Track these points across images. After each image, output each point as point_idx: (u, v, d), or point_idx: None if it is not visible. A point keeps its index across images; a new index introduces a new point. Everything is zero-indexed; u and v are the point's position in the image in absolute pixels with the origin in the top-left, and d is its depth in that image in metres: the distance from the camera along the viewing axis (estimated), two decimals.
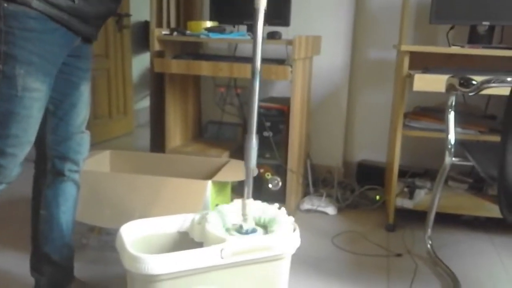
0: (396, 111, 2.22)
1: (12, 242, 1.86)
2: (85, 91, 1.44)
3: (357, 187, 2.57)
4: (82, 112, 1.46)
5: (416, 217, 2.18)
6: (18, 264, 1.60)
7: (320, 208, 2.38)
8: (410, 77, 2.00)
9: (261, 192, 2.32)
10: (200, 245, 1.46)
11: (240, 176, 1.89)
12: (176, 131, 2.55)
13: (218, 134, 2.79)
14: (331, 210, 2.38)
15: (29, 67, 1.20)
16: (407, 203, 2.17)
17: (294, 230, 1.43)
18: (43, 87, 1.24)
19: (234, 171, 1.96)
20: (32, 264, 1.51)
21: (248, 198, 1.41)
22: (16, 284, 1.62)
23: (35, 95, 1.22)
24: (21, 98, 1.20)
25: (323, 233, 2.14)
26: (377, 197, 2.49)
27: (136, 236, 1.44)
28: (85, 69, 1.42)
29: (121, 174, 1.91)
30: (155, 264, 1.23)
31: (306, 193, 2.53)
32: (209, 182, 1.78)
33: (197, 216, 1.52)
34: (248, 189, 1.39)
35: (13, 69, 1.18)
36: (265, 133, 2.29)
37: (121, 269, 1.34)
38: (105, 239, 1.89)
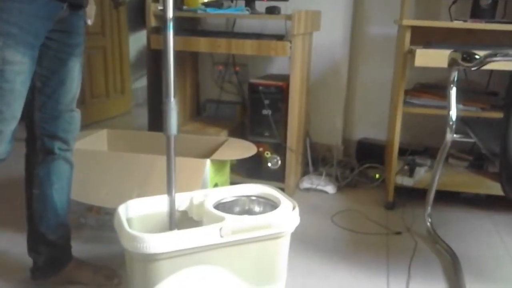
0: (396, 88, 2.19)
1: (9, 222, 1.85)
2: (74, 68, 1.39)
3: (356, 166, 2.56)
4: (72, 89, 1.41)
5: (415, 195, 2.17)
6: (16, 244, 1.59)
7: (319, 187, 2.36)
8: (412, 52, 1.96)
9: (260, 171, 2.30)
10: (199, 224, 1.44)
11: (239, 155, 1.87)
12: None
13: (217, 113, 2.75)
14: (330, 188, 2.36)
15: (8, 39, 1.15)
16: (407, 181, 2.15)
17: (294, 208, 1.41)
18: (24, 59, 1.19)
19: (233, 150, 1.93)
20: (29, 244, 1.49)
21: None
22: (14, 264, 1.61)
23: (16, 68, 1.18)
24: (2, 72, 1.16)
25: (323, 212, 2.13)
26: (377, 176, 2.47)
27: (134, 215, 1.43)
28: (75, 45, 1.37)
29: (118, 153, 1.88)
30: (154, 243, 1.21)
31: (305, 172, 2.51)
32: (208, 161, 1.75)
33: (195, 195, 1.50)
34: (170, 155, 1.27)
35: None
36: (264, 111, 2.26)
37: (120, 248, 1.33)
38: (103, 219, 1.87)
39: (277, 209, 1.41)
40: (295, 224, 1.38)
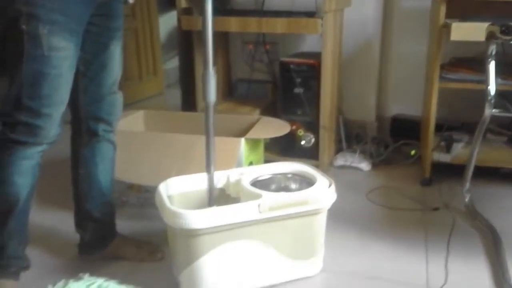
0: (431, 63, 2.15)
1: (57, 201, 1.93)
2: (115, 51, 1.43)
3: (391, 142, 2.54)
4: (113, 72, 1.45)
5: (452, 171, 2.14)
6: (64, 221, 1.66)
7: (354, 164, 2.36)
8: (447, 26, 1.91)
9: (294, 149, 2.31)
10: (236, 201, 1.48)
11: (273, 133, 1.89)
12: None
13: (248, 92, 2.76)
14: (365, 166, 2.36)
15: (53, 26, 1.19)
16: (444, 157, 2.13)
17: (330, 185, 1.43)
18: (69, 45, 1.23)
19: (266, 128, 1.95)
20: (76, 222, 1.56)
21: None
22: (62, 240, 1.69)
23: (62, 54, 1.23)
24: (48, 58, 1.20)
25: (357, 189, 2.14)
26: (412, 152, 2.45)
27: (174, 192, 1.48)
28: (115, 28, 1.41)
29: (157, 133, 1.93)
30: (196, 219, 1.25)
31: (339, 149, 2.50)
32: (242, 140, 1.78)
33: (232, 173, 1.54)
34: (208, 123, 1.33)
35: (36, 29, 1.18)
36: (296, 90, 2.26)
37: (161, 224, 1.38)
38: (143, 196, 1.93)
39: (314, 186, 1.43)
40: (331, 200, 1.40)
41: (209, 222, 1.26)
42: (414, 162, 2.38)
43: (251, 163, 1.88)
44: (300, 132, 2.29)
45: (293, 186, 1.56)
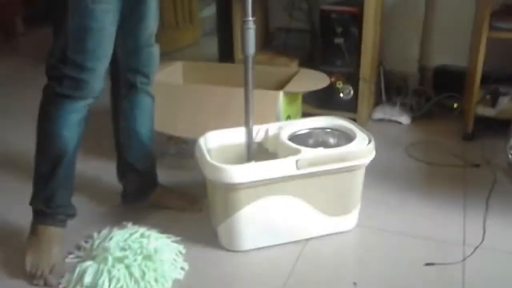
0: (481, 10, 2.02)
1: (98, 151, 1.99)
2: (151, 4, 1.42)
3: (433, 95, 2.45)
4: (150, 25, 1.44)
5: (497, 126, 2.07)
6: (106, 172, 1.72)
7: (393, 118, 2.31)
8: None
9: (332, 102, 2.27)
10: (274, 155, 1.49)
11: (312, 86, 1.86)
12: None
13: (286, 42, 2.70)
14: (404, 119, 2.31)
15: None
16: (488, 111, 2.05)
17: (369, 141, 1.41)
18: None
19: (304, 81, 1.92)
20: (118, 172, 1.62)
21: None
22: (106, 189, 1.76)
23: (105, 7, 1.23)
24: (91, 11, 1.21)
25: (396, 143, 2.10)
26: (455, 105, 2.37)
27: (214, 146, 1.49)
28: None
29: (195, 85, 1.93)
30: (235, 173, 1.28)
31: (378, 102, 2.45)
32: (281, 93, 1.76)
33: (270, 127, 1.53)
34: (247, 76, 1.33)
35: None
36: (336, 40, 2.19)
37: (200, 175, 1.41)
38: (182, 147, 1.97)
39: (353, 142, 1.41)
40: (370, 157, 1.39)
41: (247, 177, 1.28)
42: (457, 116, 2.31)
43: (289, 117, 1.87)
44: (339, 84, 2.24)
45: (332, 141, 1.55)
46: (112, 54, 1.42)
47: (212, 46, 3.08)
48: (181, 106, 1.82)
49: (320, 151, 1.36)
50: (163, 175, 1.69)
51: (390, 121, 2.32)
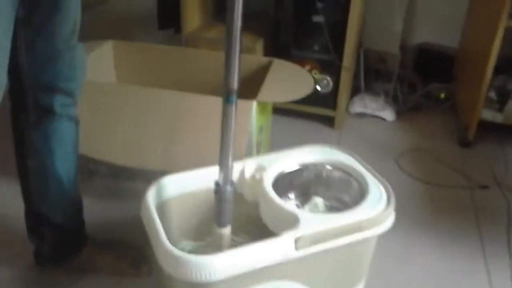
0: None
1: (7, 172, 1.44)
2: None
3: (418, 81, 2.10)
4: (69, 15, 0.94)
5: (499, 130, 1.76)
6: (18, 205, 1.20)
7: (375, 113, 1.94)
8: None
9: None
10: (253, 207, 1.06)
11: (293, 94, 1.41)
12: (194, 8, 1.96)
13: (245, 8, 2.19)
14: (388, 114, 1.94)
15: None
16: (496, 117, 1.70)
17: (389, 198, 1.02)
18: None
19: (282, 84, 1.45)
20: (28, 226, 1.12)
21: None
22: (17, 236, 1.25)
23: None
24: None
25: (384, 150, 1.74)
26: (442, 95, 2.04)
27: (168, 196, 1.04)
28: None
29: (134, 87, 1.40)
30: (208, 269, 0.84)
31: (355, 90, 2.05)
32: (254, 104, 1.31)
33: (247, 165, 1.10)
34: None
35: None
36: (315, 18, 1.73)
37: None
38: (117, 166, 1.48)
39: (367, 199, 1.01)
40: (390, 222, 1.00)
41: (224, 271, 0.86)
42: (447, 110, 1.98)
43: (261, 129, 1.44)
44: (315, 74, 1.81)
45: (333, 190, 1.14)
46: (14, 64, 0.91)
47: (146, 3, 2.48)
48: (115, 117, 1.32)
49: (327, 221, 0.95)
50: (90, 207, 1.21)
51: (372, 116, 1.94)
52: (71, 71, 0.99)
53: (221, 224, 0.97)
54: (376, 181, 1.06)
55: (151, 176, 1.24)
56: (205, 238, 1.09)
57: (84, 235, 1.16)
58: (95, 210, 1.30)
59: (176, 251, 0.85)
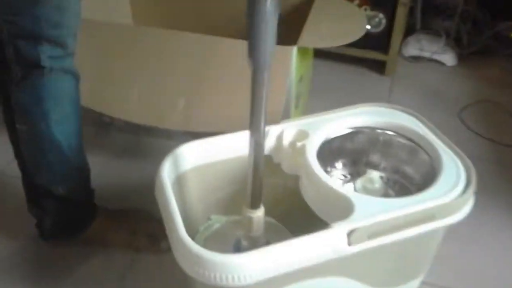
0: None
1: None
2: None
3: (485, 19, 1.78)
4: None
5: None
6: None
7: (434, 56, 1.66)
8: None
9: None
10: (293, 181, 0.86)
11: (341, 39, 1.15)
12: None
13: None
14: (449, 58, 1.66)
15: None
16: None
17: (469, 179, 0.79)
18: None
19: (326, 25, 1.19)
20: (27, 197, 0.96)
21: None
22: (21, 203, 1.09)
23: None
24: None
25: (443, 101, 1.49)
26: None
27: (188, 167, 0.85)
28: None
29: (155, 29, 1.18)
30: (236, 272, 0.66)
31: (410, 29, 1.76)
32: (294, 49, 1.07)
33: (286, 128, 0.88)
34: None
35: None
36: None
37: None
38: None
39: (440, 177, 0.79)
40: (466, 210, 0.78)
41: (257, 274, 0.67)
42: None
43: (301, 79, 1.20)
44: (366, 10, 1.53)
45: (393, 160, 0.92)
46: None
47: None
48: (130, 65, 1.11)
49: (389, 207, 0.73)
50: (104, 166, 1.05)
51: (430, 60, 1.67)
52: (59, 14, 0.77)
53: (252, 206, 0.77)
54: (451, 153, 0.83)
55: (174, 133, 1.06)
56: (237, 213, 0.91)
57: (92, 206, 1.00)
58: (109, 170, 1.15)
59: (197, 248, 0.66)
